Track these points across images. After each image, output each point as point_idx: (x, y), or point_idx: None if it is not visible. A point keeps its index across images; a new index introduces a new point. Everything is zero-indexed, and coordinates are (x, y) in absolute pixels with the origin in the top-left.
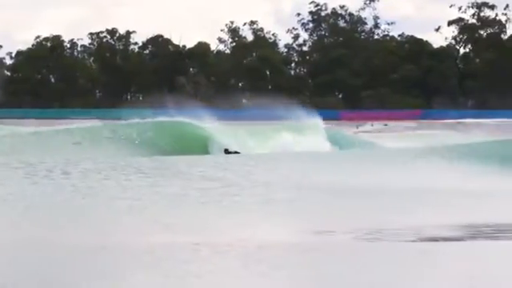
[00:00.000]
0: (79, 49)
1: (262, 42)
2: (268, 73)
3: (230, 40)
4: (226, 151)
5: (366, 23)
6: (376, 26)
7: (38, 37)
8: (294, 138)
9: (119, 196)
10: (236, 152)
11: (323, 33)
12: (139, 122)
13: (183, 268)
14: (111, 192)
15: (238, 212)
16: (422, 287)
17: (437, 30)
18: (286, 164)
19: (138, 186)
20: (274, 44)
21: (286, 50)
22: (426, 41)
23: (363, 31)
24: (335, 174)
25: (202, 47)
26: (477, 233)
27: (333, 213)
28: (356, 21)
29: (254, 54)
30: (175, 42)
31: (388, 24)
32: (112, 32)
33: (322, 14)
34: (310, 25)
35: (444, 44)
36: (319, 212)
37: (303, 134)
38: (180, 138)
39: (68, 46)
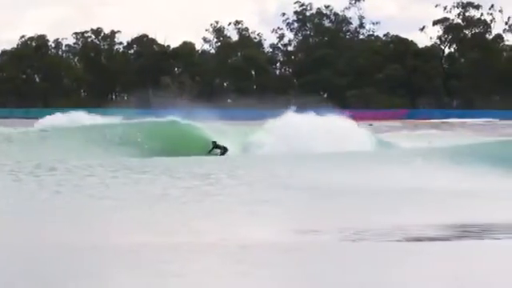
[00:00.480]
0: (64, 48)
1: (247, 42)
2: (253, 72)
3: (215, 40)
4: (214, 144)
5: (351, 23)
6: (361, 25)
7: (22, 36)
8: (265, 137)
9: (102, 195)
10: (224, 148)
11: (308, 32)
12: (135, 122)
13: (164, 267)
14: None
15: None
16: (405, 286)
17: (422, 29)
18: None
19: (123, 184)
20: (259, 44)
21: (271, 49)
22: (411, 41)
23: (348, 31)
24: (327, 174)
25: (187, 47)
26: (462, 233)
27: (320, 213)
28: (341, 20)
29: (239, 54)
30: (160, 41)
31: (373, 24)
32: (97, 32)
33: (307, 13)
34: (295, 24)
35: (429, 44)
36: (306, 212)
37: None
38: (177, 138)
39: (53, 45)
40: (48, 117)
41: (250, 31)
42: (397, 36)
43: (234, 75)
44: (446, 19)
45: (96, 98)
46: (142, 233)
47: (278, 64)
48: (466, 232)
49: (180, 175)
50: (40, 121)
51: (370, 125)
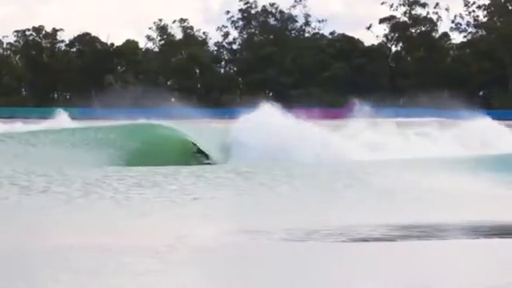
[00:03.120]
0: (5, 46)
1: (192, 40)
2: (197, 71)
3: (159, 38)
4: (194, 145)
5: (296, 21)
6: (307, 23)
7: None
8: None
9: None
10: (204, 153)
11: (253, 31)
12: (107, 125)
13: (101, 271)
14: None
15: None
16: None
17: (368, 28)
18: None
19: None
20: (204, 42)
21: (215, 48)
22: (358, 39)
23: (294, 29)
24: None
25: (130, 45)
26: (408, 233)
27: (268, 212)
28: (286, 18)
29: (183, 53)
30: (103, 39)
31: (319, 22)
32: (38, 29)
33: (252, 11)
34: (240, 22)
35: (375, 42)
36: (254, 212)
37: None
38: (156, 142)
39: None
40: None
41: (194, 29)
42: (343, 34)
43: (178, 74)
44: (392, 17)
45: (37, 97)
46: (63, 234)
47: (222, 63)
48: (414, 232)
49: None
50: None
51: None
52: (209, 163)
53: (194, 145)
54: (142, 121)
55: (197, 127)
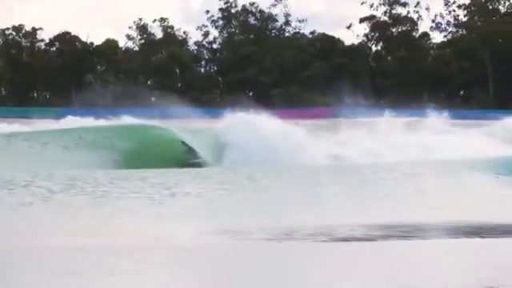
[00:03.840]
0: None
1: (172, 40)
2: (177, 71)
3: (139, 37)
4: (184, 144)
5: (276, 20)
6: (287, 23)
7: None
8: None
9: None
10: (194, 152)
11: (233, 30)
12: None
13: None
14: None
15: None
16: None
17: (348, 27)
18: None
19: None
20: (184, 41)
21: (195, 47)
22: (338, 38)
23: (274, 28)
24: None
25: (110, 44)
26: (389, 233)
27: (247, 213)
28: (266, 18)
29: (163, 52)
30: (83, 38)
31: (299, 21)
32: (18, 29)
33: (232, 10)
34: (220, 22)
35: (356, 42)
36: (233, 212)
37: None
38: (151, 143)
39: None
40: None
41: (175, 29)
42: (323, 34)
43: (158, 73)
44: (372, 17)
45: (17, 96)
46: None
47: (202, 62)
48: (395, 232)
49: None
50: None
51: (296, 123)
52: (199, 162)
53: (184, 144)
54: (136, 121)
55: (189, 128)
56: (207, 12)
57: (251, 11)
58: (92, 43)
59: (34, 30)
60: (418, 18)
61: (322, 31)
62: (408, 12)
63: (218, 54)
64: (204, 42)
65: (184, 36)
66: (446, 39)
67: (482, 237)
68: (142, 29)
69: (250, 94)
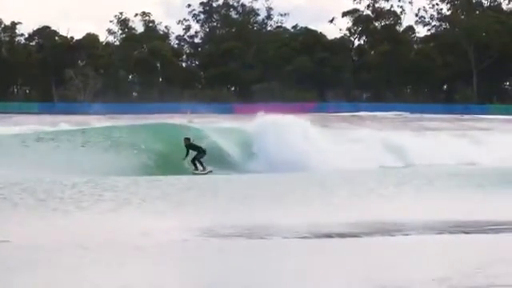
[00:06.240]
0: None
1: (153, 34)
2: (158, 65)
3: (120, 32)
4: (187, 141)
5: (258, 14)
6: (269, 17)
7: None
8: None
9: None
10: (202, 149)
11: (215, 24)
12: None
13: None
14: None
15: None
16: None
17: (331, 21)
18: None
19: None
20: (166, 36)
21: (177, 41)
22: (320, 32)
23: (256, 22)
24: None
25: (91, 39)
26: (372, 230)
27: (230, 211)
28: (248, 12)
29: (145, 46)
30: (63, 33)
31: (281, 15)
32: None
33: (214, 4)
34: (202, 16)
35: (338, 36)
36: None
37: None
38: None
39: None
40: None
41: (156, 23)
42: (306, 28)
43: (139, 68)
44: (355, 10)
45: None
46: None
47: (184, 56)
48: (376, 229)
49: None
50: None
51: None
52: (201, 159)
53: (188, 140)
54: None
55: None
56: (188, 6)
57: (233, 5)
58: (72, 38)
59: (14, 24)
60: (401, 12)
61: (304, 25)
62: (391, 6)
63: (199, 49)
64: (185, 37)
65: (166, 30)
66: (429, 33)
67: None
68: (123, 23)
69: (232, 88)
